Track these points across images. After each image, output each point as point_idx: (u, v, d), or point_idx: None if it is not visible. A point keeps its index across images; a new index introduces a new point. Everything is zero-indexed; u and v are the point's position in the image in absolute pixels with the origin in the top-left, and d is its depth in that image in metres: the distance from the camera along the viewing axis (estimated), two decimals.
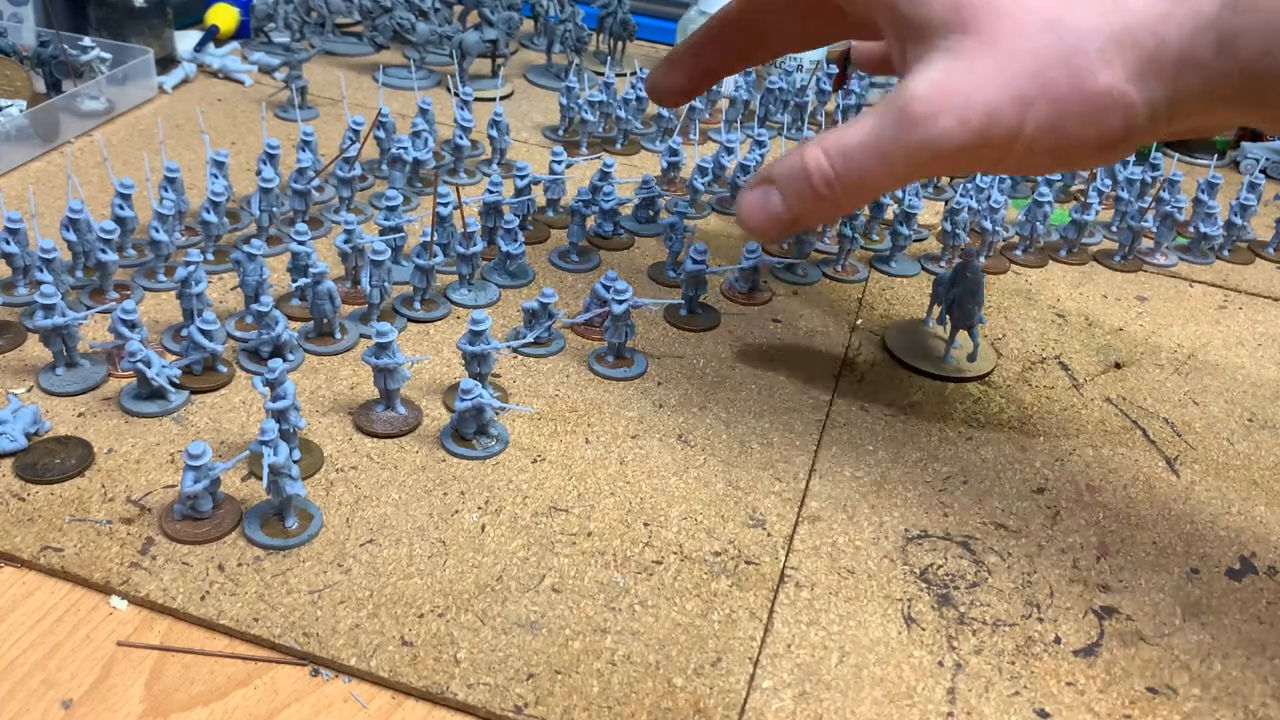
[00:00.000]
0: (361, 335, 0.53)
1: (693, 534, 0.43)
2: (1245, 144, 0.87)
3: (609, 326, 0.52)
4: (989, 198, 0.66)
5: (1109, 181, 0.72)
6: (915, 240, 0.69)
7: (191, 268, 0.49)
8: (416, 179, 0.68)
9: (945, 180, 0.77)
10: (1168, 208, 0.69)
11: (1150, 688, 0.39)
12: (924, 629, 0.40)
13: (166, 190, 0.58)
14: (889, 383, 0.55)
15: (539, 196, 0.68)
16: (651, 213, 0.68)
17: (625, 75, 0.86)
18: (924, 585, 0.42)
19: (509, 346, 0.53)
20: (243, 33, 0.91)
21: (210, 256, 0.58)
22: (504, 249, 0.59)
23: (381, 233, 0.57)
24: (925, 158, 0.39)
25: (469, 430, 0.46)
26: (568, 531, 0.43)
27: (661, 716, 0.35)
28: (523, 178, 0.63)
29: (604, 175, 0.65)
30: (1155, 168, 0.73)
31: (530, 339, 0.53)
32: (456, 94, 0.72)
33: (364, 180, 0.67)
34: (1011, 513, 0.46)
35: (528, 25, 0.99)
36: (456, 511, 0.43)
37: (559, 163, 0.66)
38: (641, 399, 0.51)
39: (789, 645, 0.39)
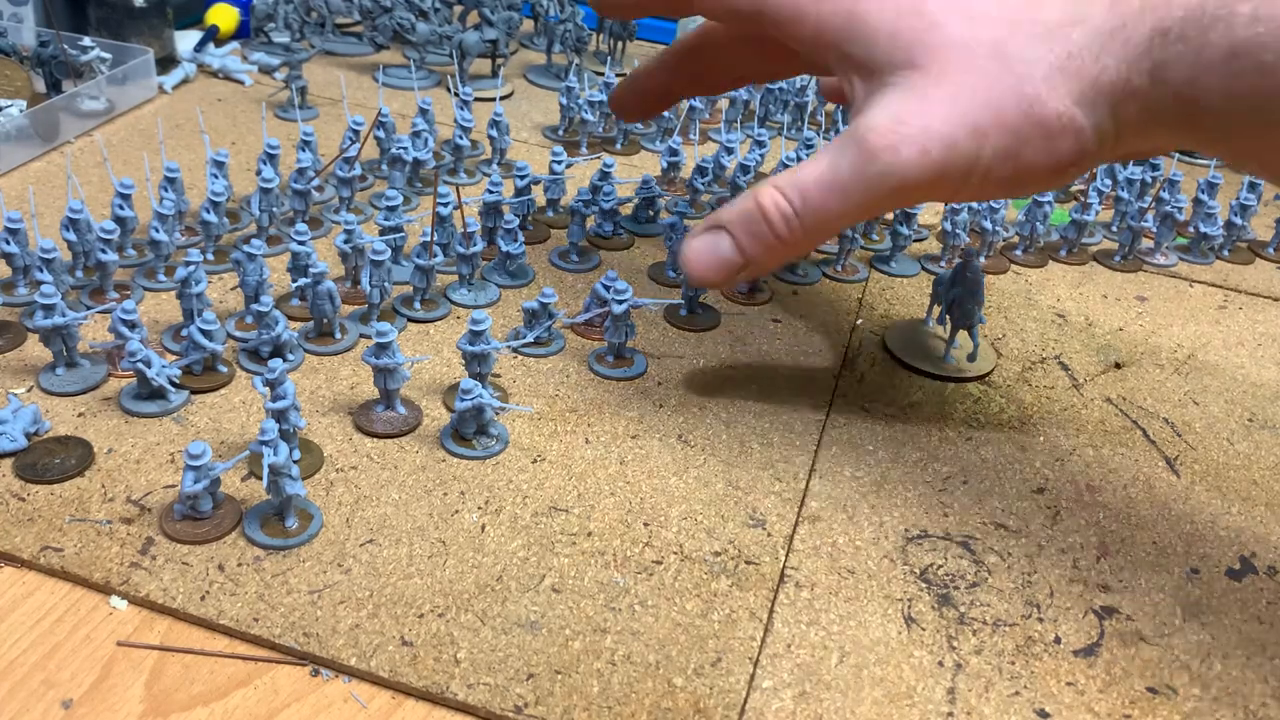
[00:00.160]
0: (361, 335, 0.53)
1: (693, 534, 0.43)
2: None
3: (609, 326, 0.52)
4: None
5: (1109, 181, 0.72)
6: (915, 240, 0.69)
7: (191, 268, 0.49)
8: (416, 179, 0.68)
9: None
10: (1168, 208, 0.69)
11: (1150, 688, 0.39)
12: (924, 629, 0.40)
13: (166, 190, 0.58)
14: (889, 383, 0.55)
15: (539, 196, 0.68)
16: (651, 213, 0.68)
17: (625, 75, 0.86)
18: (924, 585, 0.42)
19: (509, 346, 0.53)
20: (243, 33, 0.91)
21: (210, 256, 0.58)
22: (504, 249, 0.59)
23: (381, 233, 0.57)
24: (886, 190, 0.39)
25: (469, 430, 0.46)
26: (568, 531, 0.43)
27: (661, 716, 0.35)
28: (523, 178, 0.63)
29: (604, 175, 0.65)
30: (1155, 168, 0.73)
31: (530, 339, 0.53)
32: (456, 94, 0.72)
33: (364, 180, 0.67)
34: (1011, 513, 0.46)
35: (528, 25, 0.99)
36: (456, 511, 0.43)
37: (559, 163, 0.66)
38: (641, 399, 0.51)
39: (789, 645, 0.39)
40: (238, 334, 0.52)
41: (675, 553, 0.42)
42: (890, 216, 0.68)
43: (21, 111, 0.70)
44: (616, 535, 0.43)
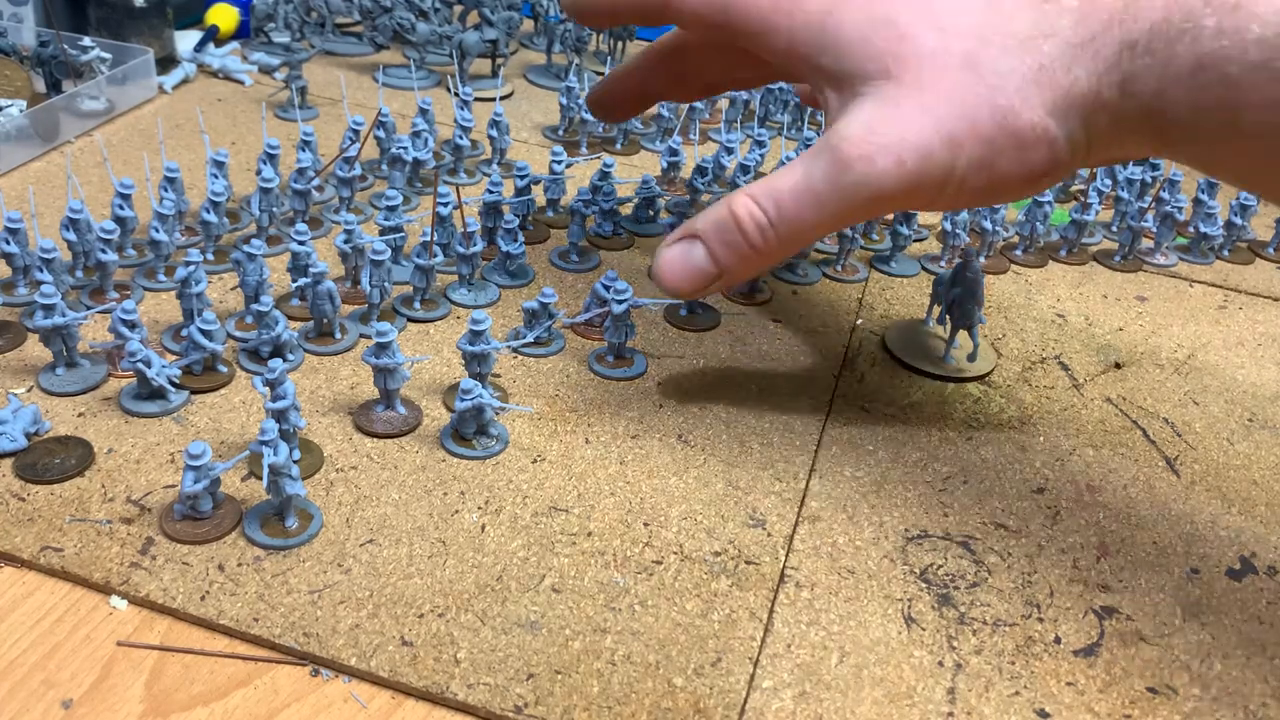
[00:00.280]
0: (361, 335, 0.53)
1: (693, 534, 0.43)
2: None
3: (609, 326, 0.52)
4: None
5: (1109, 181, 0.72)
6: (915, 240, 0.69)
7: (191, 268, 0.49)
8: (416, 179, 0.68)
9: None
10: (1168, 208, 0.69)
11: (1150, 688, 0.39)
12: (924, 629, 0.40)
13: (166, 190, 0.58)
14: (889, 383, 0.55)
15: (539, 196, 0.68)
16: (651, 213, 0.68)
17: (602, 75, 0.85)
18: (924, 585, 0.42)
19: (509, 346, 0.53)
20: (243, 33, 0.91)
21: (210, 256, 0.58)
22: (504, 249, 0.59)
23: (381, 233, 0.57)
24: (861, 200, 0.39)
25: (469, 430, 0.46)
26: (568, 531, 0.43)
27: (661, 716, 0.35)
28: (523, 178, 0.63)
29: (604, 175, 0.65)
30: (1155, 168, 0.73)
31: (530, 339, 0.53)
32: (456, 94, 0.72)
33: (364, 180, 0.67)
34: (1011, 513, 0.46)
35: (528, 25, 0.99)
36: (456, 511, 0.43)
37: (559, 163, 0.66)
38: (641, 399, 0.51)
39: (789, 645, 0.39)
40: (238, 334, 0.52)
41: (675, 553, 0.42)
42: (890, 216, 0.68)
43: (21, 111, 0.70)
44: (616, 535, 0.43)
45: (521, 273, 0.60)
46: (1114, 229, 0.72)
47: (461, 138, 0.71)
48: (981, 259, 0.66)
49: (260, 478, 0.41)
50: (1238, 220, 0.71)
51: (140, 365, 0.46)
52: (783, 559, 0.42)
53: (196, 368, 0.49)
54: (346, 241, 0.55)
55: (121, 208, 0.56)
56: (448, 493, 0.44)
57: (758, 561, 0.42)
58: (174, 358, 0.50)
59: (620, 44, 0.94)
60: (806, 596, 0.41)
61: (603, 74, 0.86)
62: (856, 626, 0.40)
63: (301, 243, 0.53)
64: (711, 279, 0.43)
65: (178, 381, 0.48)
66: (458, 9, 0.92)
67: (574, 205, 0.62)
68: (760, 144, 0.72)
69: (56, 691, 0.35)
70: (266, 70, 0.85)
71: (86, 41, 0.74)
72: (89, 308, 0.52)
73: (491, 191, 0.61)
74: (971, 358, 0.56)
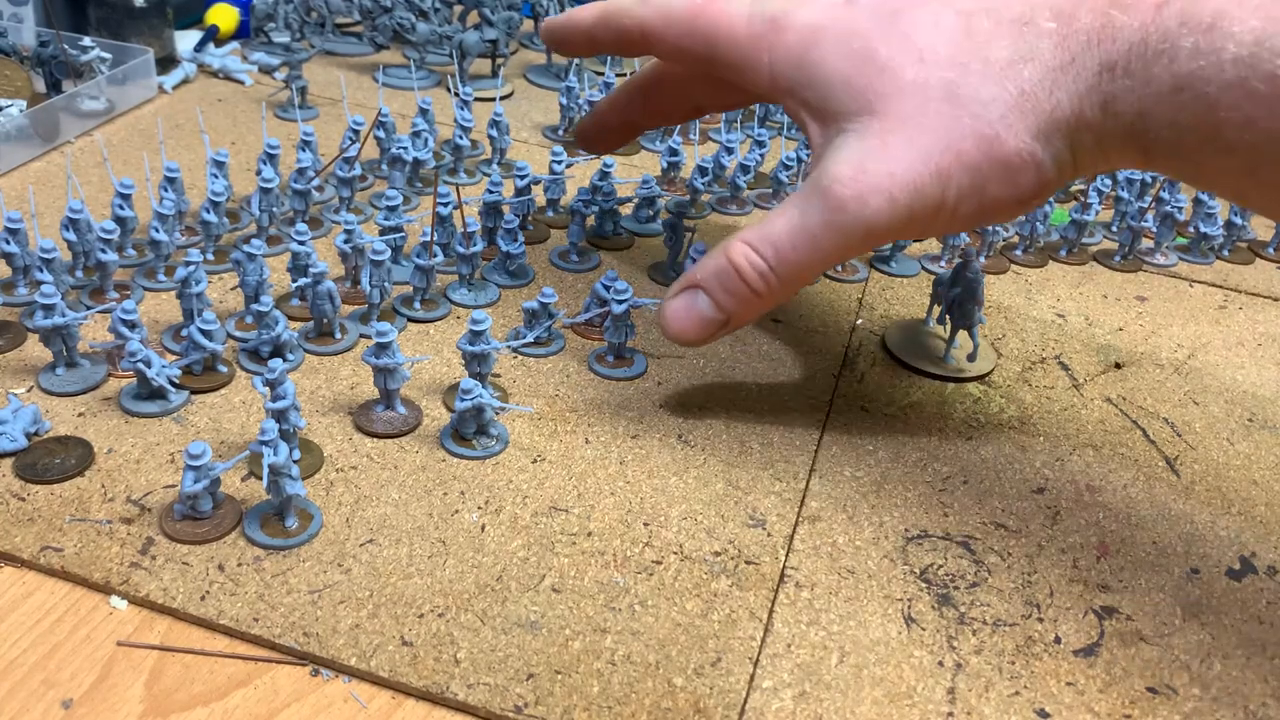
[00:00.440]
0: (361, 335, 0.53)
1: (693, 534, 0.43)
2: None
3: (609, 326, 0.52)
4: None
5: (1109, 181, 0.72)
6: (915, 240, 0.69)
7: (191, 268, 0.49)
8: (416, 179, 0.68)
9: None
10: (1168, 208, 0.69)
11: (1150, 688, 0.39)
12: (924, 629, 0.40)
13: (166, 190, 0.58)
14: (889, 383, 0.55)
15: (539, 196, 0.68)
16: (651, 213, 0.68)
17: (625, 75, 0.86)
18: (924, 585, 0.42)
19: (509, 346, 0.53)
20: (243, 33, 0.91)
21: (210, 256, 0.58)
22: (504, 249, 0.59)
23: (381, 233, 0.57)
24: (857, 239, 0.40)
25: (469, 430, 0.46)
26: (568, 531, 0.43)
27: (661, 716, 0.36)
28: (523, 178, 0.63)
29: (604, 175, 0.65)
30: None
31: (530, 339, 0.53)
32: (456, 94, 0.72)
33: (364, 180, 0.67)
34: (1011, 513, 0.46)
35: (528, 25, 0.99)
36: (456, 511, 0.43)
37: (559, 163, 0.66)
38: (641, 399, 0.51)
39: (789, 645, 0.39)
40: (238, 334, 0.52)
41: (675, 553, 0.42)
42: None
43: (21, 111, 0.70)
44: (616, 535, 0.43)
45: (521, 273, 0.60)
46: (1114, 229, 0.72)
47: (461, 138, 0.71)
48: (981, 259, 0.66)
49: (260, 478, 0.41)
50: (1238, 220, 0.71)
51: (140, 365, 0.46)
52: (783, 559, 0.42)
53: (196, 368, 0.49)
54: (346, 241, 0.55)
55: (121, 208, 0.56)
56: (448, 493, 0.44)
57: (758, 561, 0.42)
58: (174, 358, 0.50)
59: None
60: (806, 596, 0.41)
61: (602, 74, 0.86)
62: (856, 626, 0.40)
63: (301, 243, 0.53)
64: (718, 326, 0.44)
65: (178, 381, 0.48)
66: (458, 9, 0.92)
67: (574, 205, 0.62)
68: (760, 144, 0.72)
69: (56, 691, 0.35)
70: (266, 70, 0.85)
71: (86, 41, 0.74)
72: (89, 308, 0.52)
73: (491, 191, 0.61)
74: (971, 358, 0.56)
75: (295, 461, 0.42)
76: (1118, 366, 0.58)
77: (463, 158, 0.71)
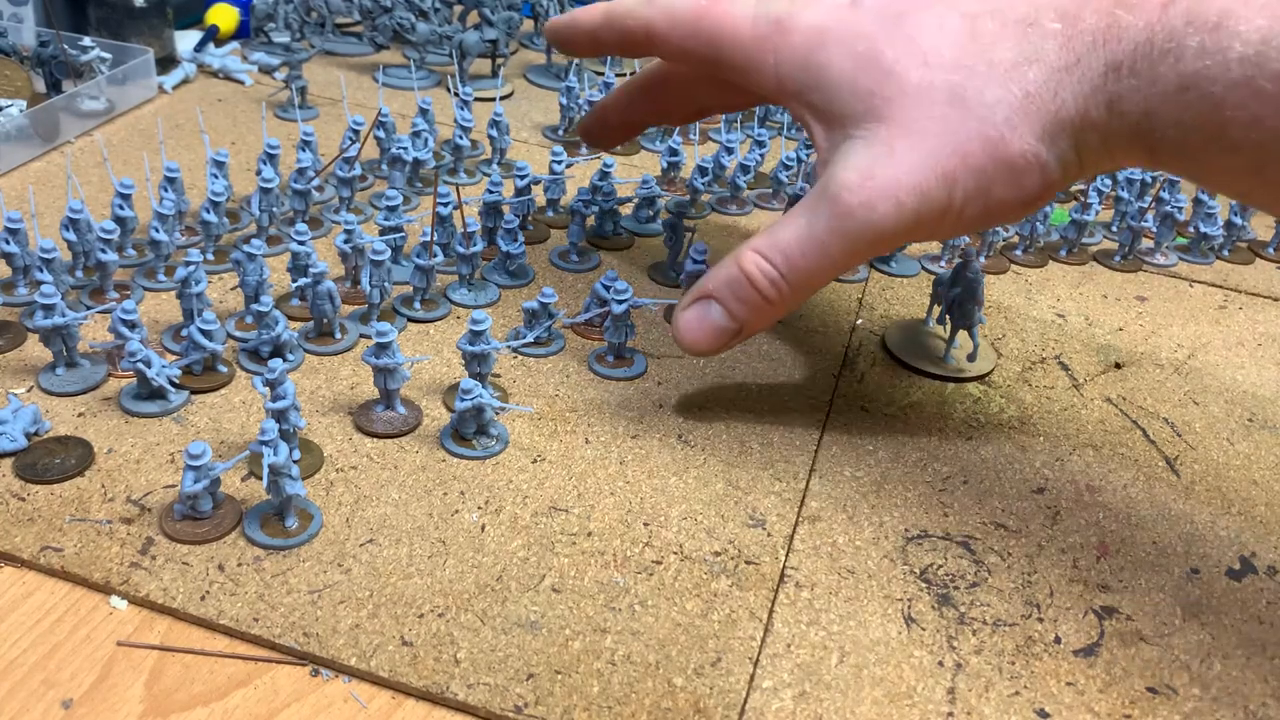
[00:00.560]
0: (361, 335, 0.53)
1: (693, 534, 0.43)
2: None
3: (609, 326, 0.52)
4: None
5: (1109, 181, 0.72)
6: (919, 242, 0.69)
7: (191, 268, 0.49)
8: (416, 179, 0.68)
9: None
10: (1168, 208, 0.69)
11: (1150, 688, 0.39)
12: (924, 629, 0.40)
13: (166, 190, 0.58)
14: (889, 383, 0.55)
15: (539, 196, 0.68)
16: (651, 213, 0.68)
17: (625, 75, 0.86)
18: (924, 585, 0.42)
19: (509, 346, 0.53)
20: (243, 33, 0.91)
21: (210, 256, 0.58)
22: (504, 249, 0.59)
23: (381, 233, 0.57)
24: (865, 245, 0.40)
25: (469, 430, 0.46)
26: (568, 531, 0.43)
27: (661, 716, 0.36)
28: (523, 178, 0.63)
29: (604, 175, 0.65)
30: None
31: (530, 339, 0.53)
32: (456, 94, 0.72)
33: (364, 180, 0.67)
34: (1011, 513, 0.46)
35: (528, 25, 0.99)
36: (456, 511, 0.43)
37: (559, 163, 0.66)
38: (641, 399, 0.51)
39: (789, 645, 0.39)
40: (238, 334, 0.52)
41: (675, 553, 0.42)
42: None
43: (21, 111, 0.70)
44: (616, 535, 0.43)
45: (521, 273, 0.60)
46: (1114, 229, 0.72)
47: (461, 138, 0.71)
48: (981, 259, 0.66)
49: (260, 478, 0.41)
50: (1238, 220, 0.71)
51: (140, 365, 0.46)
52: (783, 559, 0.42)
53: (196, 368, 0.49)
54: (346, 241, 0.55)
55: (121, 208, 0.56)
56: (448, 493, 0.44)
57: (758, 561, 0.42)
58: (174, 358, 0.50)
59: None
60: (806, 596, 0.41)
61: (602, 74, 0.86)
62: (856, 626, 0.40)
63: (301, 243, 0.53)
64: (731, 335, 0.44)
65: (178, 381, 0.48)
66: (458, 9, 0.92)
67: (574, 205, 0.62)
68: (760, 144, 0.72)
69: (56, 691, 0.35)
70: (266, 70, 0.85)
71: (86, 41, 0.74)
72: (89, 308, 0.52)
73: (491, 191, 0.61)
74: (971, 358, 0.56)
75: (295, 461, 0.42)
76: (1118, 366, 0.58)
77: (463, 158, 0.72)
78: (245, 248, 0.51)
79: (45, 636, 0.37)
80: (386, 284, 0.53)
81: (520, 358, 0.53)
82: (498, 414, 0.47)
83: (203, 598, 0.38)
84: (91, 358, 0.49)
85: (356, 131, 0.64)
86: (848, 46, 0.40)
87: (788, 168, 0.71)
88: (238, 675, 0.36)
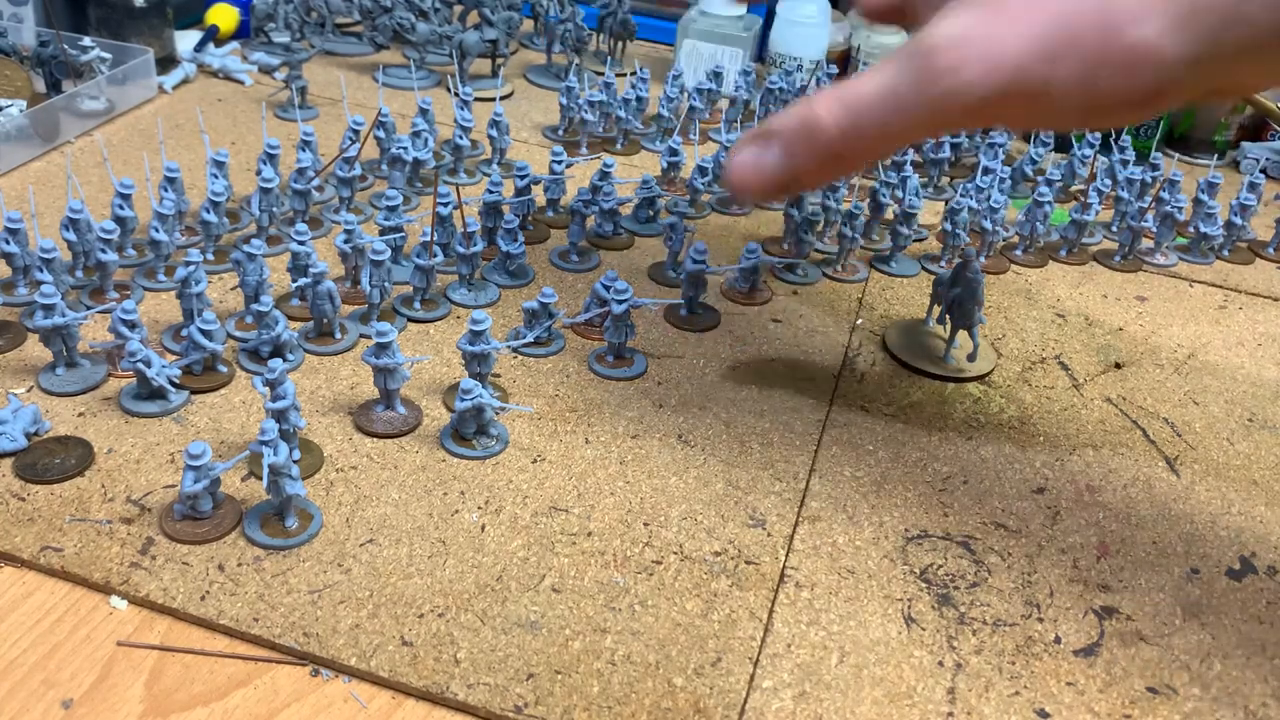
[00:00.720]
0: (361, 335, 0.53)
1: (693, 534, 0.43)
2: (1245, 144, 0.87)
3: (609, 326, 0.52)
4: (989, 198, 0.66)
5: (1109, 181, 0.72)
6: (915, 240, 0.69)
7: (191, 268, 0.49)
8: (416, 179, 0.68)
9: (945, 180, 0.77)
10: (1168, 208, 0.69)
11: (1150, 688, 0.39)
12: (924, 629, 0.40)
13: (166, 190, 0.58)
14: (889, 383, 0.55)
15: (539, 196, 0.68)
16: (651, 213, 0.68)
17: (625, 75, 0.86)
18: (924, 585, 0.42)
19: (509, 346, 0.53)
20: (243, 33, 0.91)
21: (210, 256, 0.58)
22: (504, 249, 0.59)
23: (381, 233, 0.57)
24: (948, 109, 0.37)
25: (469, 430, 0.46)
26: (568, 531, 0.43)
27: (661, 716, 0.35)
28: (523, 178, 0.63)
29: (604, 175, 0.65)
30: (1155, 168, 0.73)
31: (530, 339, 0.53)
32: (456, 94, 0.72)
33: (364, 180, 0.67)
34: (1011, 513, 0.46)
35: (528, 25, 0.99)
36: (456, 511, 0.43)
37: (559, 163, 0.66)
38: (641, 399, 0.51)
39: (789, 645, 0.39)
40: (238, 334, 0.52)
41: (675, 553, 0.42)
42: (890, 216, 0.68)
43: (21, 111, 0.70)
44: (616, 535, 0.43)
45: (521, 273, 0.60)
46: (1114, 229, 0.72)
47: (461, 138, 0.71)
48: (981, 259, 0.66)
49: (260, 478, 0.41)
50: (1238, 220, 0.71)
51: (140, 365, 0.46)
52: (783, 559, 0.42)
53: (196, 368, 0.49)
54: (346, 241, 0.55)
55: (121, 208, 0.56)
56: (448, 493, 0.44)
57: (758, 561, 0.42)
58: (174, 358, 0.50)
59: (620, 44, 0.94)
60: (806, 596, 0.41)
61: (603, 74, 0.86)
62: (856, 626, 0.40)
63: (301, 243, 0.53)
64: (783, 183, 0.40)
65: (178, 381, 0.48)
66: (458, 9, 0.92)
67: (574, 205, 0.62)
68: None
69: (56, 691, 0.35)
70: (266, 70, 0.85)
71: (86, 41, 0.74)
72: (89, 308, 0.52)
73: (491, 191, 0.61)
74: (971, 358, 0.56)
75: (295, 461, 0.42)
76: (1118, 366, 0.58)
77: (463, 158, 0.71)
78: (245, 248, 0.51)
79: (45, 636, 0.37)
80: (386, 284, 0.53)
81: (520, 358, 0.53)
82: (498, 414, 0.47)
83: (203, 598, 0.38)
84: (91, 358, 0.49)
85: (356, 131, 0.64)
86: None
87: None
88: (238, 675, 0.36)
